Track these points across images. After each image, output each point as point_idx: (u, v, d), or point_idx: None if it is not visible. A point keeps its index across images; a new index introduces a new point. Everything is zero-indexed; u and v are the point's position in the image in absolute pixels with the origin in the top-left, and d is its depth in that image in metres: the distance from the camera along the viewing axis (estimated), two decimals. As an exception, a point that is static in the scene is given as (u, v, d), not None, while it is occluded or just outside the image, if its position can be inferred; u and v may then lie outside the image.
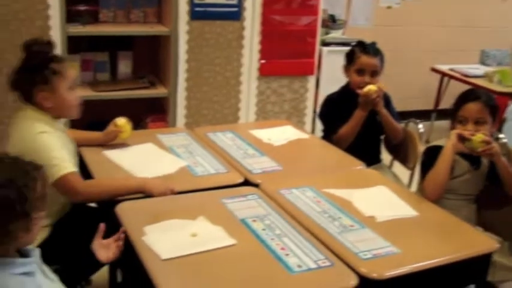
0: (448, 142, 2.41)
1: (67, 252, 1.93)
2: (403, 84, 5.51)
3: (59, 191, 2.15)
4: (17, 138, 2.20)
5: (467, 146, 2.38)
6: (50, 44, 2.27)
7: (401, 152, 3.13)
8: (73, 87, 2.29)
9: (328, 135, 3.01)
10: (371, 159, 3.00)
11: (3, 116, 3.30)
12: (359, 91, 2.85)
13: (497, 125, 2.63)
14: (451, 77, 5.24)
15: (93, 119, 3.09)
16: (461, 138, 2.39)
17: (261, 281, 1.73)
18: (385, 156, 3.22)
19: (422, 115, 5.11)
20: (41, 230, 1.85)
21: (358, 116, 2.87)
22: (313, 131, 4.32)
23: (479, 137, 2.35)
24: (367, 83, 2.88)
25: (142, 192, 2.19)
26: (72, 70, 2.31)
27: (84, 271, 2.25)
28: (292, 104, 4.23)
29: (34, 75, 2.19)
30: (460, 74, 5.14)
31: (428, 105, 5.52)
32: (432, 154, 2.45)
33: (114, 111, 3.93)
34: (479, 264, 2.07)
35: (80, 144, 2.51)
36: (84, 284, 2.60)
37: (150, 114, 4.01)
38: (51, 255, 1.73)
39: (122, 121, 2.59)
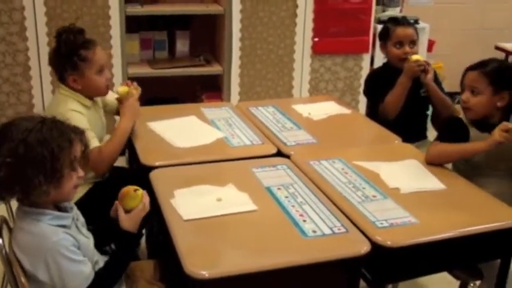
0: (491, 141, 2.18)
1: (101, 214, 2.08)
2: (466, 63, 5.34)
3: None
4: (50, 112, 2.39)
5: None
6: (80, 32, 2.41)
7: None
8: (102, 70, 2.44)
9: (374, 109, 3.02)
10: (416, 135, 3.00)
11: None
12: (407, 63, 2.84)
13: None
14: (516, 55, 5.04)
15: (151, 96, 3.25)
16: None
17: (273, 244, 1.81)
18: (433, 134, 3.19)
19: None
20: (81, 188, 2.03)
21: (402, 83, 2.85)
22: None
23: None
24: (407, 53, 2.91)
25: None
26: (101, 54, 2.45)
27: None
28: (346, 82, 4.24)
29: (64, 61, 2.39)
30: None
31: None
32: (450, 125, 2.42)
33: (171, 88, 4.11)
34: (506, 239, 2.05)
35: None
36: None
37: (206, 91, 4.15)
38: (87, 215, 1.90)
39: (122, 88, 2.59)
